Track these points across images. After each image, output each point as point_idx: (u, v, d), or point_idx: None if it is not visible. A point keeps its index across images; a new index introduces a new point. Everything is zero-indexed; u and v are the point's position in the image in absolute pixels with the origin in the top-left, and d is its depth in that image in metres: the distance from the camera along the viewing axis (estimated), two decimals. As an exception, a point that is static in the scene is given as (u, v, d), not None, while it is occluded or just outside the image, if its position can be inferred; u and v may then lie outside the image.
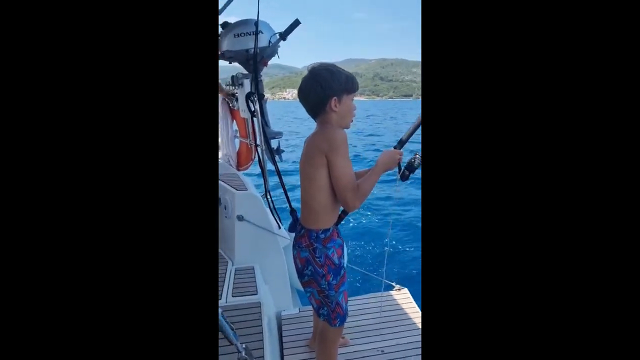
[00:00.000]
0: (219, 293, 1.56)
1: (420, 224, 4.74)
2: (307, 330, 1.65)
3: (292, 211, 1.73)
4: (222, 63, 1.86)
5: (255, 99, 1.84)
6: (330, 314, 1.13)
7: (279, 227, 1.98)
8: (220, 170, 2.24)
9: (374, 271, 2.89)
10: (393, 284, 2.00)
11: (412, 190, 6.14)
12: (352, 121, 1.11)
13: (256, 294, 1.55)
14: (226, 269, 1.78)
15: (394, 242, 4.12)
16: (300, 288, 1.22)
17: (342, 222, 1.23)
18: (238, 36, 1.84)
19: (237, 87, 2.02)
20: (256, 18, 1.81)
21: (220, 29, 1.90)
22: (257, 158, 2.12)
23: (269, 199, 1.98)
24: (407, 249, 4.01)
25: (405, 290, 1.98)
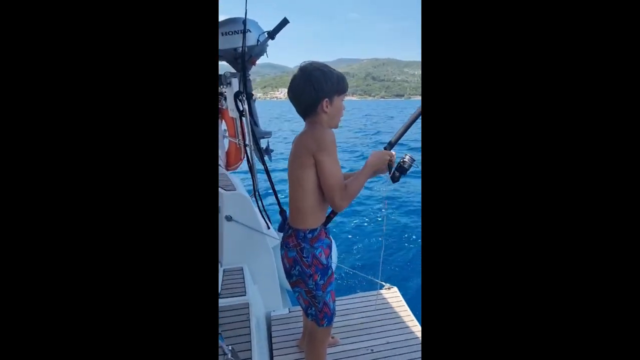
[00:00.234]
0: None
1: (409, 222, 4.77)
2: (296, 331, 1.64)
3: (282, 211, 1.72)
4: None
5: (244, 98, 1.82)
6: (317, 314, 1.12)
7: (268, 227, 1.97)
8: None
9: (363, 270, 2.90)
10: (383, 282, 2.01)
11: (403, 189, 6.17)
12: (340, 121, 1.11)
13: (245, 295, 1.54)
14: None
15: (382, 240, 4.14)
16: (290, 288, 1.22)
17: (330, 222, 1.23)
18: (226, 34, 1.83)
19: (225, 86, 2.00)
20: (244, 16, 1.79)
21: None
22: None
23: (258, 199, 1.96)
24: (398, 247, 4.03)
25: (395, 289, 1.99)
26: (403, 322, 1.73)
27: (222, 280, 1.68)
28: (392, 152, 1.15)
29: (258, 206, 1.94)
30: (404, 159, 1.13)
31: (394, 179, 1.15)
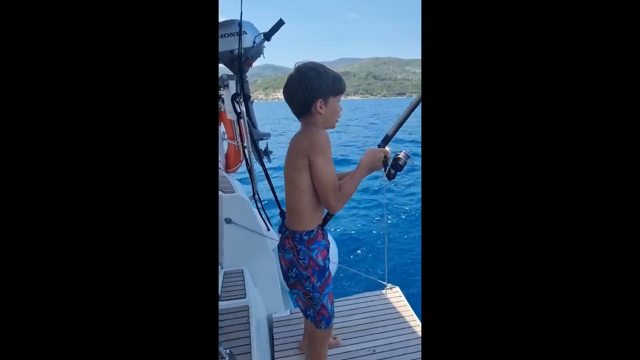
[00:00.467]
0: None
1: (409, 219, 4.73)
2: (298, 332, 1.63)
3: (282, 212, 1.72)
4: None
5: (241, 100, 1.82)
6: (316, 316, 1.12)
7: (268, 229, 1.97)
8: None
9: (365, 270, 2.89)
10: (384, 282, 1.99)
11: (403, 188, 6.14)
12: (337, 122, 1.10)
13: (245, 297, 1.54)
14: None
15: (385, 238, 4.12)
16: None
17: (327, 223, 1.22)
18: (222, 37, 1.82)
19: (222, 89, 2.00)
20: (240, 18, 1.79)
21: None
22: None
23: (257, 201, 1.96)
24: (400, 247, 4.01)
25: (397, 288, 1.97)
26: (406, 322, 1.72)
27: (222, 282, 1.67)
28: (387, 148, 1.14)
29: (257, 208, 1.94)
30: (399, 155, 1.11)
31: (390, 176, 1.13)
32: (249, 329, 1.33)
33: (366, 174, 1.09)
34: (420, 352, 1.47)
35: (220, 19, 1.93)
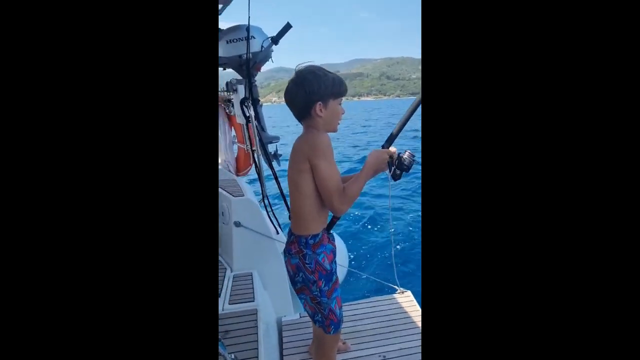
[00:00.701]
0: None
1: (418, 224, 4.65)
2: (307, 336, 1.62)
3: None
4: (215, 70, 1.86)
5: (250, 104, 1.84)
6: (324, 320, 1.10)
7: (277, 232, 1.97)
8: (219, 176, 2.24)
9: (376, 274, 2.85)
10: (396, 286, 1.96)
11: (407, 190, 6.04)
12: (338, 125, 1.09)
13: (253, 301, 1.54)
14: (224, 276, 1.78)
15: (398, 247, 4.06)
16: None
17: (334, 226, 1.21)
18: (230, 42, 1.85)
19: (232, 93, 2.02)
20: (248, 23, 1.81)
21: None
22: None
23: (267, 204, 1.97)
24: (413, 250, 3.94)
25: (409, 292, 1.94)
26: (417, 327, 1.68)
27: (232, 286, 1.68)
28: (392, 149, 1.12)
29: (267, 211, 1.94)
30: (403, 156, 1.09)
31: (395, 177, 1.11)
32: (257, 333, 1.33)
33: (372, 175, 1.07)
34: None
35: (231, 24, 1.96)
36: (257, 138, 1.88)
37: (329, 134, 1.04)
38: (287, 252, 1.11)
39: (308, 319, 1.72)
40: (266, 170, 2.07)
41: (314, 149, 0.98)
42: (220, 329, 1.35)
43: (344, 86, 1.05)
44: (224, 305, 1.53)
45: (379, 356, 1.50)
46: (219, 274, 1.78)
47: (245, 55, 1.83)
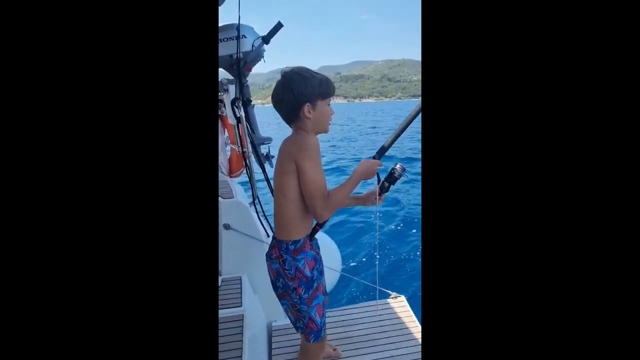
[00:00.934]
0: None
1: (407, 227, 4.58)
2: (298, 341, 1.58)
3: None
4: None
5: (240, 104, 1.80)
6: (304, 329, 1.06)
7: (268, 235, 1.93)
8: None
9: (371, 279, 2.80)
10: (389, 291, 1.91)
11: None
12: (329, 125, 1.06)
13: (240, 306, 1.50)
14: None
15: (387, 249, 3.99)
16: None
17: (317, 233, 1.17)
18: (221, 41, 1.81)
19: (223, 93, 1.99)
20: (242, 23, 1.77)
21: None
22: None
23: (257, 207, 1.93)
24: (410, 255, 3.88)
25: (402, 298, 1.89)
26: (410, 333, 1.64)
27: (220, 290, 1.64)
28: (381, 161, 1.10)
29: (257, 214, 1.91)
30: (395, 168, 1.09)
31: (383, 189, 1.11)
32: (242, 340, 1.29)
33: (358, 183, 1.04)
34: None
35: (222, 23, 1.92)
36: (248, 139, 1.85)
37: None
38: (268, 256, 1.07)
39: (298, 324, 1.68)
40: (260, 173, 2.04)
41: (301, 150, 0.95)
42: None
43: (332, 86, 1.02)
44: None
45: None
46: None
47: (236, 55, 1.80)
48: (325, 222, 1.09)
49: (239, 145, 2.04)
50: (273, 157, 2.06)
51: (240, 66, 1.80)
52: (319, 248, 1.14)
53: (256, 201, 1.93)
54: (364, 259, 3.83)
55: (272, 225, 2.08)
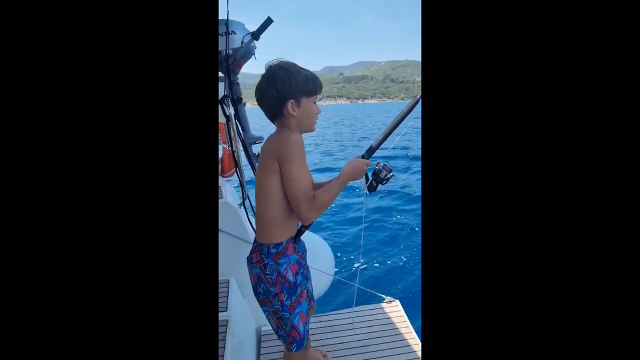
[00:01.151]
0: None
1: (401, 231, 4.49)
2: (286, 348, 1.53)
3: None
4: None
5: (229, 102, 1.75)
6: (286, 337, 1.01)
7: (258, 237, 1.87)
8: None
9: (367, 284, 2.74)
10: (383, 296, 1.86)
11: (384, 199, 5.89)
12: (315, 124, 1.00)
13: (225, 311, 1.44)
14: None
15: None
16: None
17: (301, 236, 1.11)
18: (210, 38, 1.77)
19: (213, 91, 1.94)
20: (227, 17, 1.72)
21: None
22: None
23: (247, 208, 1.88)
24: (409, 259, 3.80)
25: (397, 302, 1.84)
26: (403, 340, 1.58)
27: None
28: (369, 161, 1.04)
29: (247, 215, 1.86)
30: (380, 168, 1.04)
31: (371, 189, 1.06)
32: (224, 347, 1.23)
33: (345, 184, 0.99)
34: None
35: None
36: (237, 138, 1.80)
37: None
38: (249, 260, 1.02)
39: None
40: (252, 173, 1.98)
41: (284, 149, 0.89)
42: None
43: (319, 83, 0.96)
44: None
45: None
46: None
47: (225, 52, 1.75)
48: (310, 224, 1.03)
49: (229, 144, 2.00)
50: (265, 157, 2.00)
51: (230, 63, 1.75)
52: (304, 252, 1.09)
53: (246, 202, 1.88)
54: (361, 265, 3.76)
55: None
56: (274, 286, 0.96)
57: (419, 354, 1.48)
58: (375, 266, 3.66)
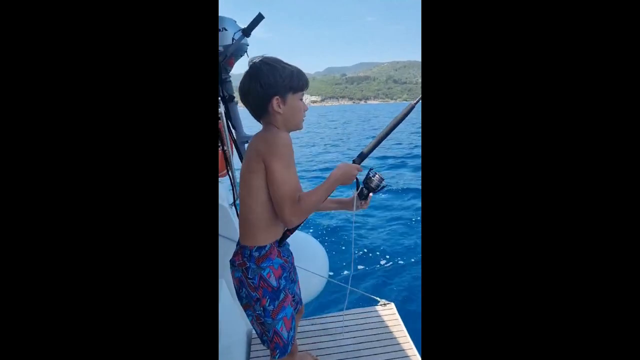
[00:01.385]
0: None
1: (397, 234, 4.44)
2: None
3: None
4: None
5: (219, 100, 1.72)
6: (269, 343, 0.97)
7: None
8: None
9: (358, 284, 2.69)
10: (378, 298, 1.81)
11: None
12: (302, 121, 0.96)
13: None
14: None
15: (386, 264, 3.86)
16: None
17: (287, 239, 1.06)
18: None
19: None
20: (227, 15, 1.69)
21: None
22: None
23: (238, 208, 1.84)
24: (406, 262, 3.74)
25: (392, 305, 1.79)
26: (397, 343, 1.54)
27: None
28: (360, 166, 1.00)
29: (238, 215, 1.82)
30: (372, 177, 0.99)
31: (362, 196, 1.01)
32: (210, 352, 1.20)
33: (333, 188, 0.94)
34: None
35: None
36: (228, 137, 1.76)
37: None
38: (231, 263, 0.98)
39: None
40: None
41: (270, 148, 0.86)
42: None
43: (305, 80, 0.92)
44: None
45: None
46: None
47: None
48: (296, 228, 0.99)
49: (220, 143, 1.96)
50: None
51: (221, 60, 1.72)
52: (289, 255, 1.05)
53: (237, 202, 1.84)
54: (354, 270, 3.71)
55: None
56: (256, 291, 0.92)
57: (413, 358, 1.44)
58: (371, 268, 3.61)
